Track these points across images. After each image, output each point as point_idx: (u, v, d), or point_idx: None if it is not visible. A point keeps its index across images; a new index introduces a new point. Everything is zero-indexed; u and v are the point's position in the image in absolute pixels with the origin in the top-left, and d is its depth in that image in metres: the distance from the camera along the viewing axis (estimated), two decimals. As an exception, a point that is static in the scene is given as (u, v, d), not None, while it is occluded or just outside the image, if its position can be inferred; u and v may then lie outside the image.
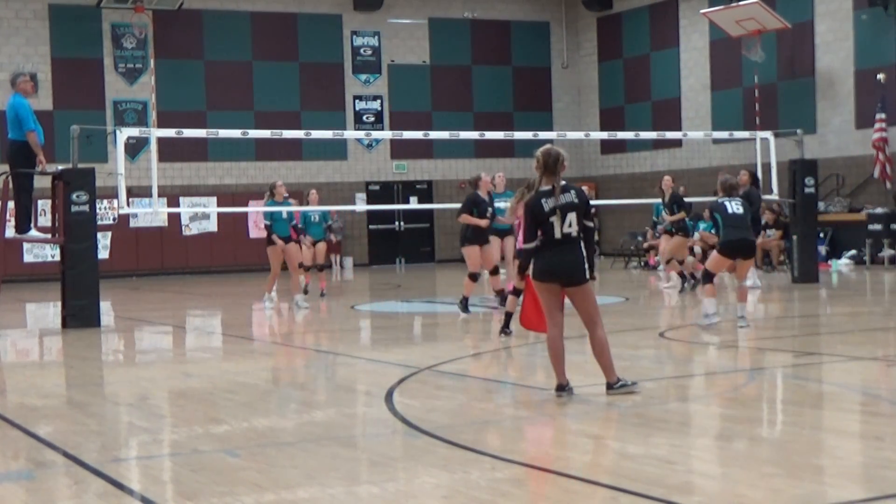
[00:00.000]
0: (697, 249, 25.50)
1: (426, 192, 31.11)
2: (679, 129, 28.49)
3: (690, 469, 6.19)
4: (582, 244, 8.23)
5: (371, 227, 30.82)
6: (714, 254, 12.89)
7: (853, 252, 24.43)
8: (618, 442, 6.87)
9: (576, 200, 8.21)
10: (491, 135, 22.29)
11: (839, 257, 24.28)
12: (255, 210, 27.48)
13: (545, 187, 8.25)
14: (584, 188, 8.98)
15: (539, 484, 6.02)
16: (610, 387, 8.25)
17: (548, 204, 8.18)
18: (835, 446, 6.71)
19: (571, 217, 8.17)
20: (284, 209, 17.28)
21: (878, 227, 23.58)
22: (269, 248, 17.16)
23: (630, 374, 10.03)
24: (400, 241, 30.84)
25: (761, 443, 6.88)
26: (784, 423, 7.71)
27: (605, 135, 26.56)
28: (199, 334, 15.47)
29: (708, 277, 12.81)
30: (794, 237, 19.91)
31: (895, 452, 6.42)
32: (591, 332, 8.26)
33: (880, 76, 24.72)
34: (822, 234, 23.65)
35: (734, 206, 12.60)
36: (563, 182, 8.29)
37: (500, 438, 7.14)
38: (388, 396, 8.66)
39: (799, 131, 20.51)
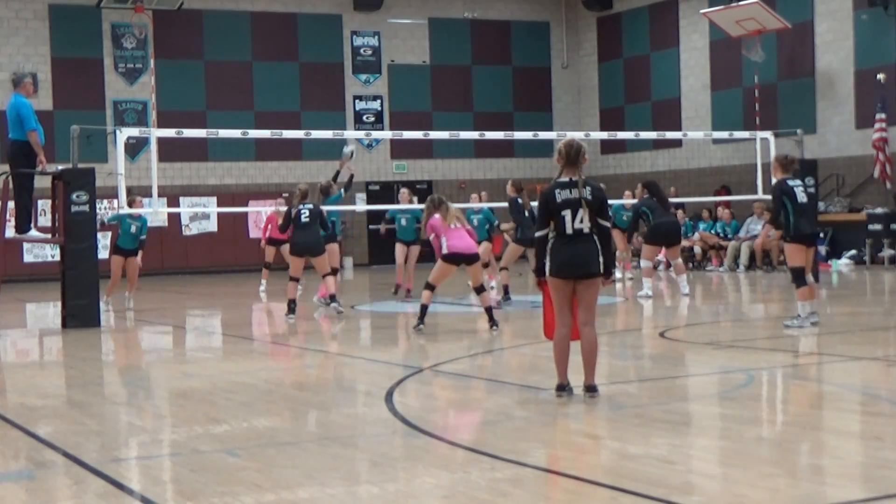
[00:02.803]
0: (697, 249, 25.54)
1: (426, 192, 31.08)
2: (679, 129, 28.49)
3: (690, 469, 6.19)
4: (596, 239, 8.20)
5: (371, 226, 30.79)
6: (790, 248, 12.39)
7: (853, 252, 24.43)
8: (618, 442, 6.87)
9: (589, 197, 8.17)
10: (491, 135, 22.32)
11: (839, 257, 24.28)
12: (255, 210, 27.52)
13: (563, 179, 8.23)
14: (602, 186, 9.09)
15: (539, 484, 6.02)
16: (590, 389, 8.21)
17: (560, 196, 8.15)
18: (835, 446, 6.70)
19: (584, 213, 8.13)
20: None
21: (878, 227, 23.58)
22: (113, 256, 17.69)
23: (630, 374, 10.06)
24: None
25: (761, 443, 6.87)
26: (784, 423, 7.71)
27: (605, 135, 26.58)
28: (199, 334, 15.46)
29: (800, 276, 12.34)
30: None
31: (895, 452, 6.42)
32: (585, 331, 8.23)
33: (880, 76, 24.72)
34: (822, 235, 23.66)
35: (801, 195, 12.25)
36: (584, 177, 8.26)
37: (500, 438, 7.13)
38: (388, 396, 8.66)
39: (799, 131, 20.50)
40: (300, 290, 21.04)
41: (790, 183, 12.31)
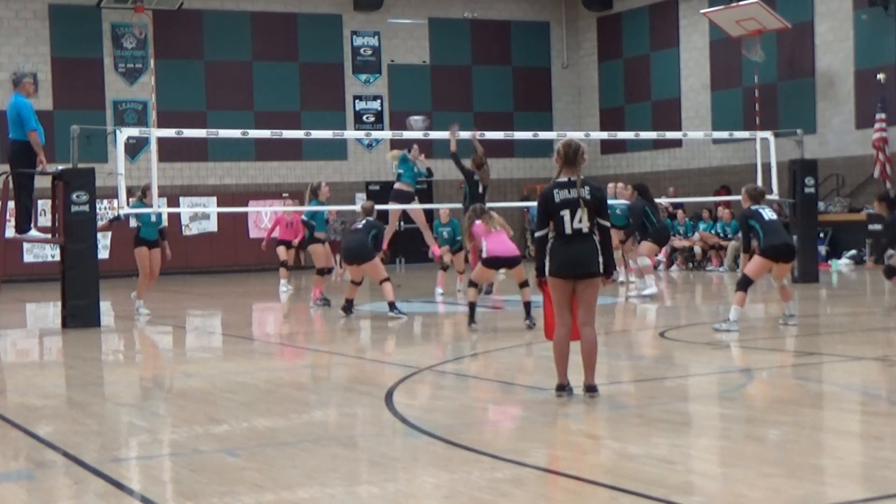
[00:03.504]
0: (697, 249, 25.54)
1: (426, 192, 31.08)
2: (679, 129, 28.48)
3: (690, 469, 6.19)
4: (596, 239, 8.21)
5: (371, 227, 30.77)
6: (756, 259, 12.59)
7: (853, 252, 24.43)
8: (618, 442, 6.87)
9: (588, 197, 8.18)
10: (491, 135, 22.30)
11: (839, 257, 24.28)
12: (255, 210, 27.56)
13: (561, 179, 8.23)
14: (611, 185, 9.11)
15: (539, 484, 6.02)
16: (590, 389, 8.20)
17: (559, 196, 8.16)
18: (835, 446, 6.71)
19: (582, 213, 8.14)
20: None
21: (878, 227, 23.57)
22: (137, 249, 16.73)
23: (630, 375, 10.06)
24: (400, 241, 30.76)
25: (761, 443, 6.87)
26: (784, 423, 7.70)
27: (605, 135, 26.56)
28: (199, 334, 15.46)
29: (745, 284, 12.52)
30: (795, 237, 19.88)
31: (895, 452, 6.42)
32: (585, 331, 8.23)
33: (880, 76, 24.73)
34: (822, 234, 23.66)
35: (769, 213, 12.64)
36: (583, 177, 8.27)
37: (500, 438, 7.14)
38: (388, 396, 8.66)
39: (799, 131, 20.51)
40: (290, 291, 21.11)
41: (754, 207, 12.68)
